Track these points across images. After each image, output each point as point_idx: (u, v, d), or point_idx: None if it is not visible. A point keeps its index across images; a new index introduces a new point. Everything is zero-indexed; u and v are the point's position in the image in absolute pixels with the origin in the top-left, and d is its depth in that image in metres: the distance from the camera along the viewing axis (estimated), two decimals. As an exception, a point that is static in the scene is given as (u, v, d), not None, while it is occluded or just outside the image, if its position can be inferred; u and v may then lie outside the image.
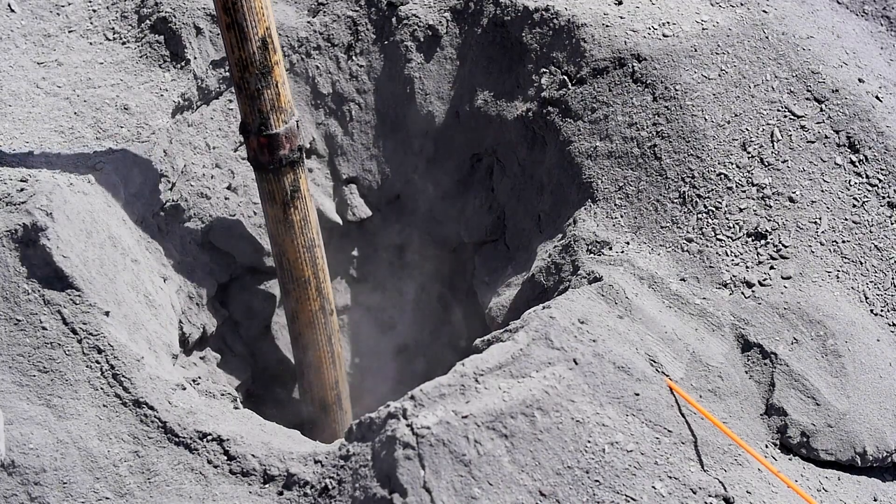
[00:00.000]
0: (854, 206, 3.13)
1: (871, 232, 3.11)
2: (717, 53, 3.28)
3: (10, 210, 2.70)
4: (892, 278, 3.07)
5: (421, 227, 4.24)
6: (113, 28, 3.66)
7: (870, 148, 3.19)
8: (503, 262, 3.80)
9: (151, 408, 2.56)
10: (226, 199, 3.83)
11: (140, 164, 3.27)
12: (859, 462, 2.79)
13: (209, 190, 3.76)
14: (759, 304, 2.94)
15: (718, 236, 3.07)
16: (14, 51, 3.51)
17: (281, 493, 2.45)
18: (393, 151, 4.04)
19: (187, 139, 3.66)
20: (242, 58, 2.85)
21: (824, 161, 3.17)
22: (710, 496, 2.44)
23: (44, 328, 2.60)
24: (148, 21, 3.61)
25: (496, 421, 2.31)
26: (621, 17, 3.43)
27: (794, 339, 2.88)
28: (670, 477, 2.42)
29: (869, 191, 3.15)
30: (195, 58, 3.60)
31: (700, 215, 3.10)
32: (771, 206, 3.10)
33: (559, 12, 3.50)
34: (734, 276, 3.01)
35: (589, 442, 2.37)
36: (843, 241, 3.08)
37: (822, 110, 3.23)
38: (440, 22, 3.79)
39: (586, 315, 2.69)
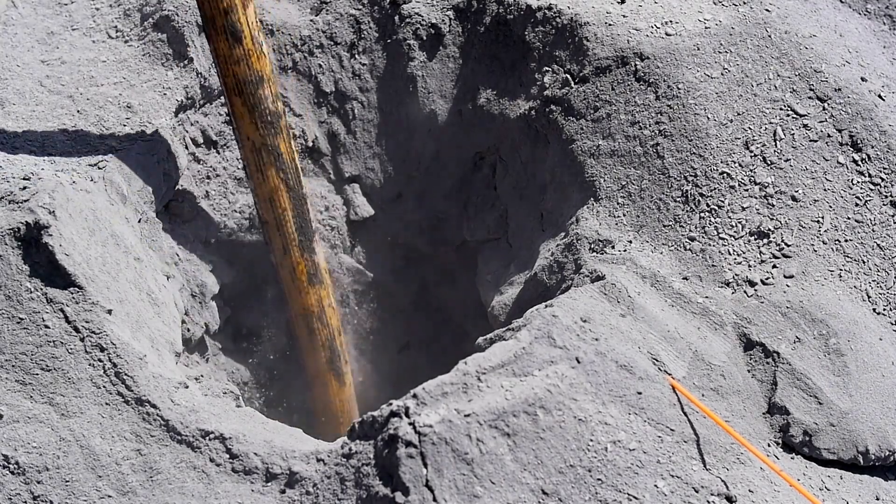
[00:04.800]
0: (856, 204, 3.13)
1: (873, 231, 3.10)
2: (719, 52, 3.28)
3: (12, 208, 2.70)
4: (895, 277, 3.07)
5: (423, 226, 4.23)
6: (116, 26, 3.66)
7: (872, 147, 3.19)
8: (506, 260, 3.80)
9: (154, 406, 2.56)
10: (229, 197, 3.83)
11: (143, 163, 3.27)
12: (861, 461, 2.79)
13: (212, 188, 3.76)
14: (762, 302, 2.94)
15: (721, 235, 3.07)
16: (17, 49, 3.51)
17: (283, 492, 2.45)
18: (395, 150, 4.04)
19: (190, 138, 3.66)
20: None
21: (827, 160, 3.17)
22: (712, 495, 2.43)
23: (46, 326, 2.60)
24: (151, 19, 3.61)
25: (498, 419, 2.31)
26: (624, 16, 3.42)
27: (797, 337, 2.88)
28: (672, 475, 2.42)
29: (871, 189, 3.15)
30: (198, 56, 3.60)
31: (702, 214, 3.10)
32: (773, 205, 3.09)
33: (562, 11, 3.50)
34: (737, 274, 3.01)
35: (591, 440, 2.37)
36: (846, 240, 3.08)
37: (824, 109, 3.23)
38: (443, 20, 3.79)
39: (589, 314, 2.68)
